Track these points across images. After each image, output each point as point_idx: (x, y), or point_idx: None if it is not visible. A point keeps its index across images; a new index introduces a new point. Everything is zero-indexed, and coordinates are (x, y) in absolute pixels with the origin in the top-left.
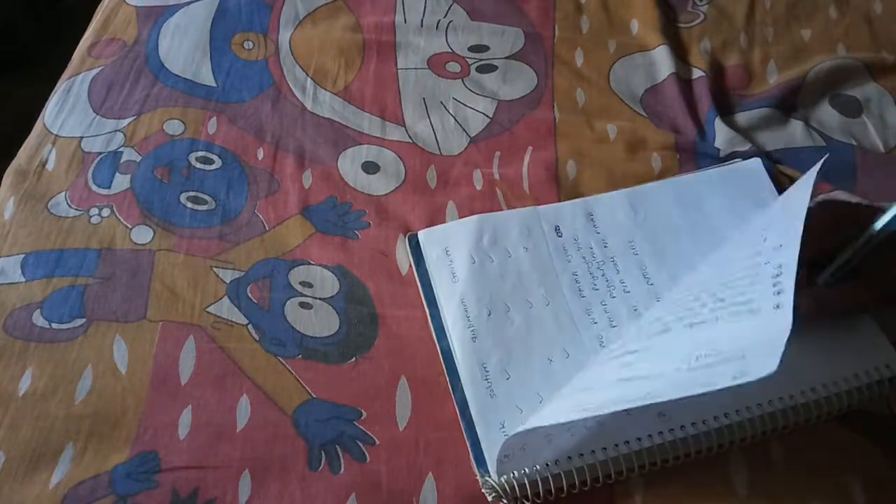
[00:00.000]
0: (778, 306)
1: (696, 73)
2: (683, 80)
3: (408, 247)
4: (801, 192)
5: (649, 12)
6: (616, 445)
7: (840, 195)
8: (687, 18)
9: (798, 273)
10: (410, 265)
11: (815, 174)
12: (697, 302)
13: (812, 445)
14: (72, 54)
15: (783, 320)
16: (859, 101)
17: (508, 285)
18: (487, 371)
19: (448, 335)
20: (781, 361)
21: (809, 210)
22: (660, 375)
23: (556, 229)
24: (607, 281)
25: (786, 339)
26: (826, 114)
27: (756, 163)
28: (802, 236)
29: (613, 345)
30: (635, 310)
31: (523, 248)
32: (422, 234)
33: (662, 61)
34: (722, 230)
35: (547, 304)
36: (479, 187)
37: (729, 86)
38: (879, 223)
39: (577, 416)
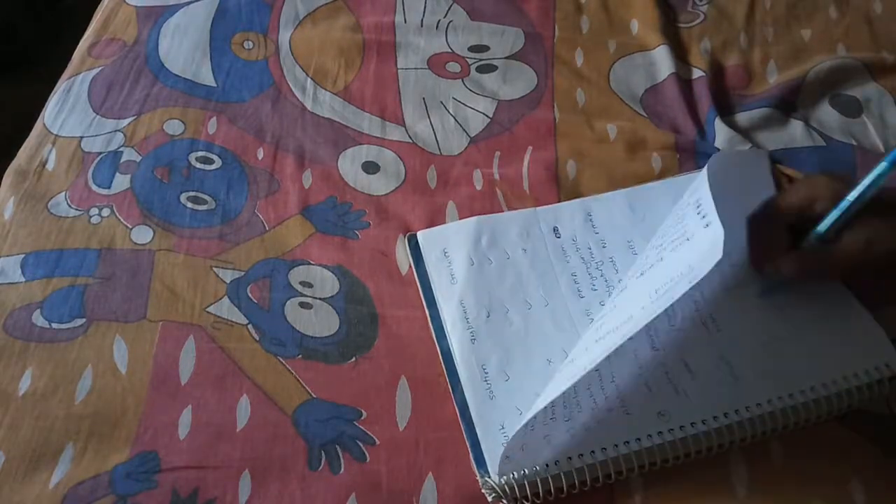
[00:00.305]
0: (707, 225)
1: (696, 73)
2: (683, 80)
3: (407, 247)
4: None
5: (649, 12)
6: (616, 445)
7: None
8: (687, 18)
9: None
10: (410, 265)
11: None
12: (643, 258)
13: (812, 445)
14: (72, 54)
15: (715, 230)
16: (859, 101)
17: (507, 286)
18: (487, 372)
19: (447, 336)
20: (725, 251)
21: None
22: (629, 319)
23: (555, 230)
24: (606, 281)
25: (722, 237)
26: (826, 114)
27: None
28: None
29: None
30: (629, 303)
31: (522, 250)
32: (421, 235)
33: (662, 61)
34: None
35: (546, 305)
36: (479, 187)
37: (729, 86)
38: (854, 192)
39: (566, 385)
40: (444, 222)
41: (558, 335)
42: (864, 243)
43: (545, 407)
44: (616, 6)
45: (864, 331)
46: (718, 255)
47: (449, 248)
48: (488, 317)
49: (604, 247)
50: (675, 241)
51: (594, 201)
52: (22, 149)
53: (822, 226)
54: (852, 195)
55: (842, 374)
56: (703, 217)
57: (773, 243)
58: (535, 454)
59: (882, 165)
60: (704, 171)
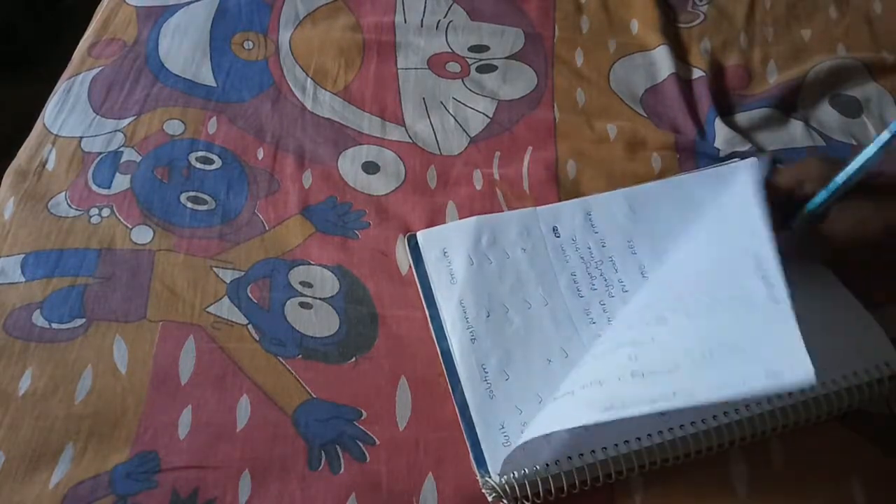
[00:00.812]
0: (777, 302)
1: (696, 73)
2: (683, 80)
3: (407, 247)
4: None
5: (649, 12)
6: (616, 445)
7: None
8: (687, 18)
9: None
10: (410, 265)
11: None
12: (686, 291)
13: (812, 445)
14: (72, 54)
15: (786, 316)
16: (859, 101)
17: (507, 286)
18: (487, 372)
19: (447, 336)
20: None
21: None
22: (675, 370)
23: (555, 230)
24: (605, 280)
25: (801, 340)
26: (826, 114)
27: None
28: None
29: (606, 333)
30: (629, 302)
31: (521, 249)
32: (420, 235)
33: (662, 61)
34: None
35: (545, 305)
36: (479, 187)
37: (729, 86)
38: (843, 174)
39: (602, 418)
40: (443, 222)
41: (558, 334)
42: (853, 223)
43: (562, 426)
44: (616, 6)
45: (863, 330)
46: (805, 378)
47: (449, 247)
48: (488, 316)
49: (603, 246)
50: (732, 294)
51: (594, 201)
52: (22, 149)
53: (811, 204)
54: (841, 177)
55: (841, 373)
56: (771, 287)
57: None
58: (535, 454)
59: (870, 148)
60: (756, 196)
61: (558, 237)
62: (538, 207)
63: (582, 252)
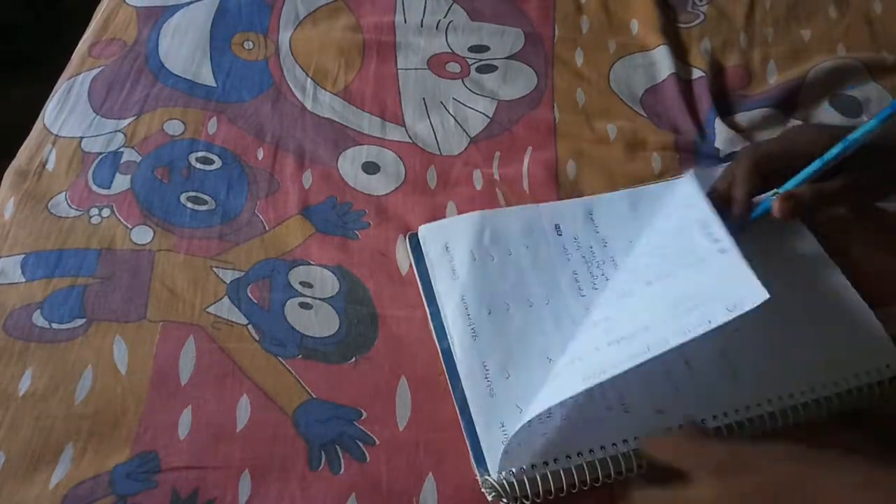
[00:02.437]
0: (722, 251)
1: (696, 74)
2: (683, 80)
3: (408, 246)
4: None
5: (649, 12)
6: (614, 444)
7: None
8: (687, 18)
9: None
10: (411, 265)
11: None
12: (645, 264)
13: (812, 445)
14: (72, 54)
15: (734, 258)
16: (859, 101)
17: (508, 284)
18: (487, 370)
19: (448, 334)
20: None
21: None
22: (645, 329)
23: (557, 228)
24: (607, 280)
25: (750, 270)
26: (826, 114)
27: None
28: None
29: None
30: (630, 300)
31: (524, 247)
32: (423, 229)
33: (662, 61)
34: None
35: (547, 303)
36: (479, 187)
37: (729, 86)
38: (841, 144)
39: (582, 387)
40: None
41: (558, 333)
42: (841, 187)
43: (546, 406)
44: (616, 6)
45: (866, 331)
46: (764, 295)
47: (451, 243)
48: (489, 314)
49: (605, 246)
50: (686, 259)
51: (596, 200)
52: (22, 149)
53: (797, 178)
54: (834, 150)
55: (843, 374)
56: (717, 242)
57: (747, 185)
58: (534, 452)
59: (870, 123)
60: (696, 188)
61: (560, 235)
62: (541, 204)
63: (584, 251)
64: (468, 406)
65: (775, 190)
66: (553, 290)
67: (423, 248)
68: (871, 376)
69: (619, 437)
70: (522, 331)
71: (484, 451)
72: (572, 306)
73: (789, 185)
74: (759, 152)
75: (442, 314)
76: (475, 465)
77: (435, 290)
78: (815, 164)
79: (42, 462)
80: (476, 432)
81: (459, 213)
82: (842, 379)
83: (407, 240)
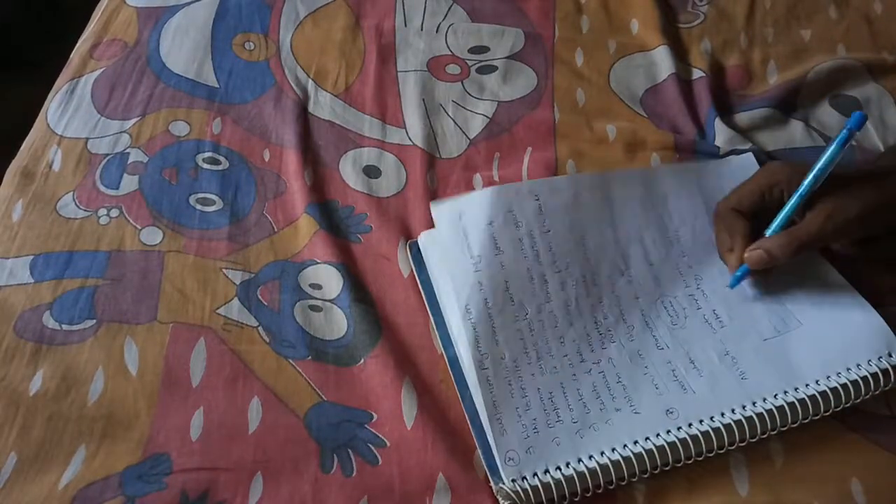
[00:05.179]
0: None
1: (696, 74)
2: (683, 80)
3: (409, 254)
4: None
5: (649, 12)
6: (625, 445)
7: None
8: (687, 18)
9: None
10: (412, 268)
11: None
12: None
13: (813, 445)
14: (71, 54)
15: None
16: (859, 101)
17: (523, 272)
18: (496, 378)
19: (454, 342)
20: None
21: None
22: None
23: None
24: (621, 273)
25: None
26: (826, 114)
27: (749, 158)
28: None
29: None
30: (637, 299)
31: (540, 229)
32: (421, 239)
33: (662, 61)
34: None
35: (561, 293)
36: (479, 189)
37: (729, 86)
38: (810, 177)
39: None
40: None
41: (568, 331)
42: (824, 218)
43: (546, 409)
44: (616, 6)
45: (865, 322)
46: None
47: (464, 223)
48: (495, 322)
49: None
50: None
51: (614, 178)
52: (24, 149)
53: (786, 210)
54: (809, 179)
55: (846, 365)
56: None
57: (735, 231)
58: (545, 457)
59: (832, 147)
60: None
61: (578, 215)
62: (559, 178)
63: (602, 234)
64: (478, 415)
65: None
66: (558, 290)
67: (423, 255)
68: (875, 366)
69: (630, 439)
70: (530, 334)
71: (496, 460)
72: (581, 304)
73: (774, 227)
74: (733, 199)
75: (447, 322)
76: (489, 474)
77: (438, 299)
78: (793, 202)
79: (54, 463)
80: (488, 441)
81: None
82: (846, 370)
83: (407, 247)
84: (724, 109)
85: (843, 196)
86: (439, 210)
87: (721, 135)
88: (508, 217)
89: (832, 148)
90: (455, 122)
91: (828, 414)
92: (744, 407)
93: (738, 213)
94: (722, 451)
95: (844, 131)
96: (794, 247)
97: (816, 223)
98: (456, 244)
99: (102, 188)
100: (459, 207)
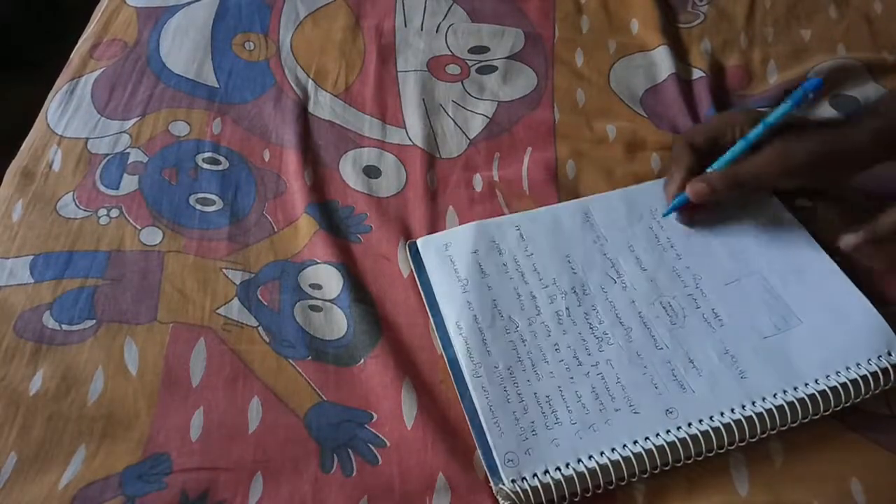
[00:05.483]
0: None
1: (697, 74)
2: (683, 80)
3: (408, 255)
4: None
5: (649, 12)
6: (624, 445)
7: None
8: (687, 18)
9: None
10: (412, 269)
11: None
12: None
13: (812, 445)
14: (71, 54)
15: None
16: (859, 101)
17: (510, 291)
18: (495, 379)
19: (453, 344)
20: None
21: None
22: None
23: (556, 229)
24: (613, 281)
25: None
26: (826, 114)
27: None
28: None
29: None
30: (633, 302)
31: (523, 253)
32: (420, 242)
33: (662, 61)
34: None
35: (550, 306)
36: (478, 189)
37: (729, 86)
38: (762, 123)
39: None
40: (444, 224)
41: (563, 337)
42: (768, 159)
43: (544, 412)
44: (616, 6)
45: (865, 320)
46: None
47: (450, 254)
48: (494, 322)
49: (605, 244)
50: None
51: (592, 202)
52: (24, 149)
53: (731, 152)
54: (756, 130)
55: (845, 363)
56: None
57: (680, 162)
58: (544, 458)
59: (785, 105)
60: None
61: (560, 238)
62: (541, 209)
63: (587, 251)
64: (478, 416)
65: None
66: (555, 295)
67: (422, 257)
68: (875, 364)
69: (630, 439)
70: (527, 337)
71: (496, 461)
72: (574, 311)
73: (716, 165)
74: (688, 133)
75: (446, 324)
76: (489, 474)
77: (438, 300)
78: (739, 145)
79: (54, 463)
80: (487, 442)
81: (460, 215)
82: (845, 369)
83: (407, 248)
84: (724, 109)
85: (792, 141)
86: (425, 243)
87: None
88: (491, 246)
89: (786, 104)
90: (455, 122)
91: (827, 413)
92: (743, 406)
93: (688, 146)
94: (722, 451)
95: (800, 91)
96: (733, 181)
97: (759, 163)
98: (444, 270)
99: (102, 188)
100: (445, 240)
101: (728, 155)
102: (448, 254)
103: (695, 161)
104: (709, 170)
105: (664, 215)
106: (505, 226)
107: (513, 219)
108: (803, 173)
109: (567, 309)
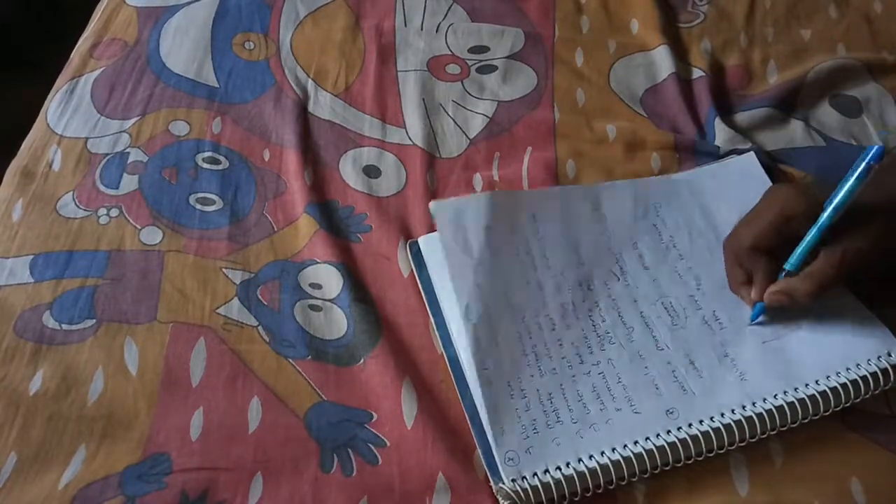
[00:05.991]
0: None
1: (697, 73)
2: (683, 80)
3: (409, 254)
4: None
5: (649, 12)
6: (625, 445)
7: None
8: (687, 18)
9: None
10: (412, 268)
11: None
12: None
13: (813, 445)
14: (71, 54)
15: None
16: (859, 101)
17: (507, 293)
18: (496, 378)
19: (454, 342)
20: None
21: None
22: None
23: (567, 214)
24: (617, 278)
25: None
26: (826, 114)
27: (751, 157)
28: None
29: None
30: (635, 301)
31: (535, 237)
32: (422, 241)
33: (662, 61)
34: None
35: (556, 298)
36: (478, 188)
37: (729, 86)
38: (829, 211)
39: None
40: None
41: (566, 333)
42: (840, 258)
43: (546, 410)
44: (616, 6)
45: (862, 322)
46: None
47: (464, 223)
48: (495, 322)
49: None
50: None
51: (602, 190)
52: (24, 149)
53: (805, 245)
54: (828, 213)
55: (845, 364)
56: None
57: (757, 270)
58: (545, 457)
59: (850, 182)
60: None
61: (571, 225)
62: (549, 188)
63: (595, 243)
64: (478, 415)
65: (783, 269)
66: (558, 291)
67: (423, 256)
68: (874, 365)
69: (630, 439)
70: (528, 341)
71: (497, 460)
72: (579, 307)
73: (794, 261)
74: (746, 236)
75: (447, 322)
76: (489, 474)
77: (438, 299)
78: (812, 236)
79: (54, 463)
80: (488, 441)
81: None
82: (845, 370)
83: (408, 247)
84: (724, 109)
85: (860, 232)
86: (439, 208)
87: (721, 134)
88: (505, 223)
89: (851, 182)
90: (455, 122)
91: (827, 414)
92: (743, 407)
93: (756, 251)
94: (722, 451)
95: (864, 165)
96: (815, 291)
97: (835, 264)
98: (457, 243)
99: (102, 188)
100: (459, 206)
101: (803, 247)
102: (462, 223)
103: (770, 264)
104: (786, 266)
105: (750, 323)
106: (518, 201)
107: (526, 195)
108: (878, 263)
109: (573, 303)
